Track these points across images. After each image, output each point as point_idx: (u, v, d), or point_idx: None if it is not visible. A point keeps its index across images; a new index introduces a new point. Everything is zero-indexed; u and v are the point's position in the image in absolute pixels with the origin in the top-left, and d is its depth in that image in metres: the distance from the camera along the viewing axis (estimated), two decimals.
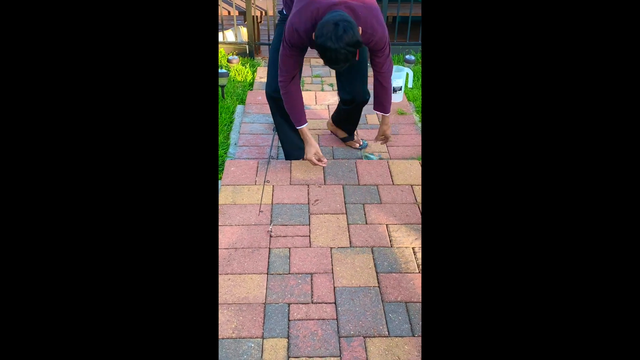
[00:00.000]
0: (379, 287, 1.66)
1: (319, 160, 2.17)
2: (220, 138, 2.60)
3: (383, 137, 2.34)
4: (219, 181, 2.13)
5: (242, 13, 3.77)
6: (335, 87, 3.27)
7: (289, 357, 1.42)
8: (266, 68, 3.59)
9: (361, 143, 2.57)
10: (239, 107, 2.98)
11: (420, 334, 1.50)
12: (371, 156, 2.47)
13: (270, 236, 1.85)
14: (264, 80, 3.37)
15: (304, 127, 2.11)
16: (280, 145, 2.53)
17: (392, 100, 2.98)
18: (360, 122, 2.84)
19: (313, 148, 2.14)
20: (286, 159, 2.37)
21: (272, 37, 3.81)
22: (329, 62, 1.77)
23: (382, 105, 2.21)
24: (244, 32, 3.86)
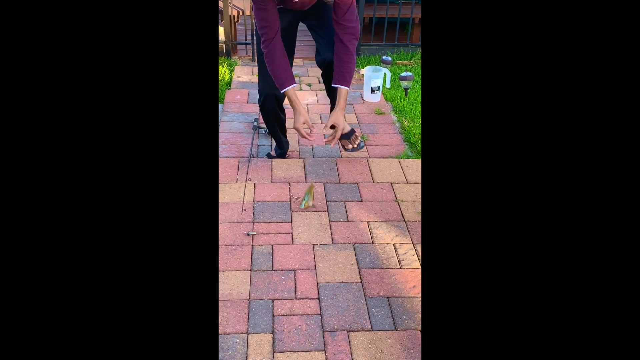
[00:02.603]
0: (361, 282, 1.69)
1: (308, 133, 2.08)
2: None
3: (333, 130, 2.11)
4: None
5: (219, 12, 3.75)
6: (312, 87, 3.30)
7: (274, 352, 1.43)
8: (243, 67, 3.60)
9: (356, 145, 2.30)
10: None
11: (402, 327, 1.53)
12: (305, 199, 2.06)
13: (248, 235, 1.86)
14: (242, 79, 3.38)
15: (289, 90, 1.99)
16: (259, 144, 2.54)
17: (371, 100, 3.04)
18: None
19: (302, 117, 2.03)
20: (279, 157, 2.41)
21: (249, 37, 3.83)
22: None
23: (342, 75, 1.99)
24: (220, 31, 3.84)
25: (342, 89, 2.02)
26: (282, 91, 2.00)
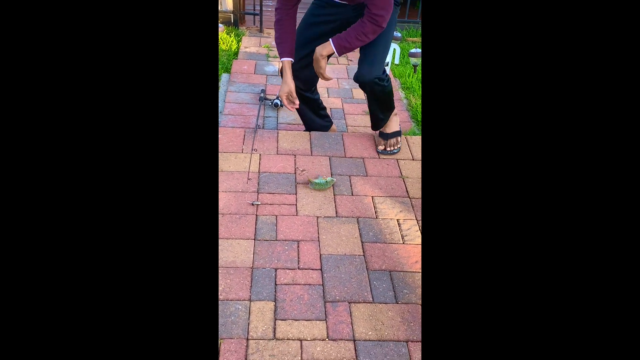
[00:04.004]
0: (364, 255, 1.69)
1: (292, 102, 2.05)
2: None
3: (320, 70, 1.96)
4: None
5: None
6: None
7: (275, 319, 1.44)
8: (251, 38, 3.57)
9: (389, 148, 2.21)
10: (224, 76, 2.94)
11: (403, 301, 1.54)
12: (320, 181, 1.99)
13: (252, 204, 1.86)
14: (249, 50, 3.34)
15: (284, 61, 2.00)
16: (265, 115, 2.53)
17: None
18: (345, 97, 2.86)
19: (286, 87, 2.02)
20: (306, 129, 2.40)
21: (257, 7, 3.77)
22: None
23: (340, 37, 1.87)
24: (229, 1, 3.78)
25: (328, 43, 1.90)
26: (282, 58, 2.00)
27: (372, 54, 1.95)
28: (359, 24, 1.85)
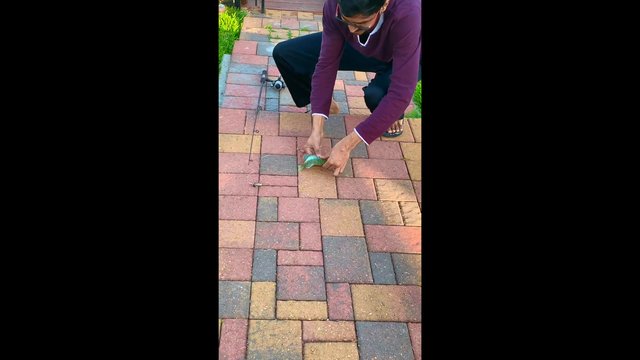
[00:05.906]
0: (365, 237, 1.70)
1: (313, 150, 2.02)
2: None
3: (330, 166, 1.96)
4: None
5: None
6: None
7: (277, 299, 1.45)
8: (253, 19, 3.53)
9: (391, 131, 2.24)
10: (225, 57, 2.92)
11: (404, 282, 1.55)
12: (311, 157, 1.98)
13: (254, 186, 1.86)
14: (251, 30, 3.31)
15: (315, 116, 2.00)
16: (267, 97, 2.51)
17: None
18: (347, 78, 2.84)
19: (311, 140, 2.00)
20: (297, 105, 2.35)
21: None
22: (342, 4, 1.56)
23: (367, 126, 1.85)
24: None
25: (355, 134, 1.88)
26: (312, 113, 2.00)
27: (387, 80, 1.84)
28: (382, 104, 1.81)
